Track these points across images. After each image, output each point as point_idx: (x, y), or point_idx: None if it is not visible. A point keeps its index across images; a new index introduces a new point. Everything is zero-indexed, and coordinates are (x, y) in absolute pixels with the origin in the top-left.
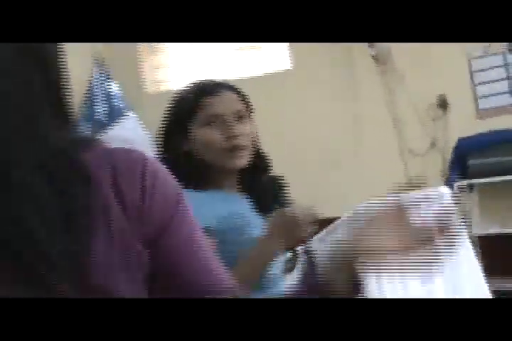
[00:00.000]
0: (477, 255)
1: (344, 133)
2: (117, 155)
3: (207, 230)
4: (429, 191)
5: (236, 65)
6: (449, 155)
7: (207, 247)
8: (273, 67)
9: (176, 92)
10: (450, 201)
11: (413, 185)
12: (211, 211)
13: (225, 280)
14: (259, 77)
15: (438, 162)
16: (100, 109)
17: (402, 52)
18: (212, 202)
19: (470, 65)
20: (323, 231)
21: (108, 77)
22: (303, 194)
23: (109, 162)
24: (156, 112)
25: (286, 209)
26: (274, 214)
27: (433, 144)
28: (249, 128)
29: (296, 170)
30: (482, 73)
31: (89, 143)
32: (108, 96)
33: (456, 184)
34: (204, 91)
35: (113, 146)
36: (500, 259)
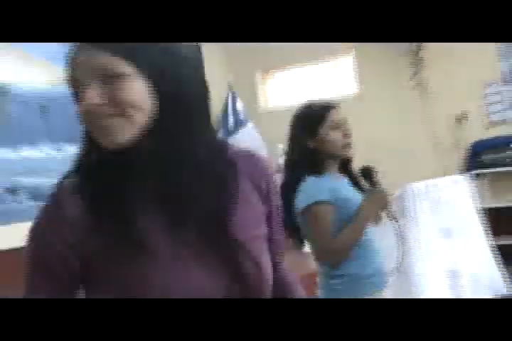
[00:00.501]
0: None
1: (395, 138)
2: (249, 157)
3: (324, 201)
4: (450, 177)
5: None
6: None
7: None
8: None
9: (301, 107)
10: (467, 186)
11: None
12: (327, 187)
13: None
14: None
15: (458, 156)
16: (231, 119)
17: (435, 78)
18: (327, 181)
19: (484, 90)
20: None
21: (236, 97)
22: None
23: (244, 162)
24: (268, 124)
25: (376, 190)
26: (368, 193)
27: (457, 144)
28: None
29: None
30: (491, 96)
31: (227, 145)
32: (235, 111)
33: (472, 172)
34: (329, 106)
35: (240, 148)
36: (504, 224)
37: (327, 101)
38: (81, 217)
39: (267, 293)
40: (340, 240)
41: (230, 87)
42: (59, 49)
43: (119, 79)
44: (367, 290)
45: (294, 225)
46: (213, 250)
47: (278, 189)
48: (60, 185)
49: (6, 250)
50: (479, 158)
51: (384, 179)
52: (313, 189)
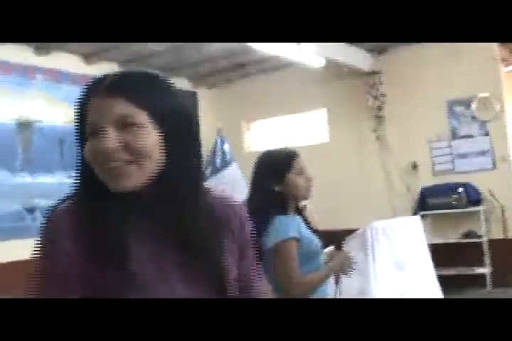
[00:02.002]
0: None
1: (357, 181)
2: (225, 204)
3: (293, 238)
4: (408, 218)
5: (294, 135)
6: (416, 196)
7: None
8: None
9: (265, 154)
10: (420, 225)
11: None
12: (294, 225)
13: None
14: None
15: (410, 200)
16: (218, 159)
17: (391, 133)
18: (292, 220)
19: (431, 145)
20: None
21: (224, 140)
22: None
23: (222, 207)
24: (250, 164)
25: (342, 252)
26: (336, 253)
27: (408, 189)
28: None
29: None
30: (437, 150)
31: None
32: (223, 152)
33: (419, 213)
34: (294, 154)
35: (221, 188)
36: (441, 255)
37: (289, 150)
38: (74, 234)
39: None
40: (306, 282)
41: (219, 131)
42: (78, 92)
43: (137, 129)
44: None
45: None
46: (200, 281)
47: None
48: (58, 207)
49: (25, 260)
50: (425, 202)
51: (343, 216)
52: (283, 227)
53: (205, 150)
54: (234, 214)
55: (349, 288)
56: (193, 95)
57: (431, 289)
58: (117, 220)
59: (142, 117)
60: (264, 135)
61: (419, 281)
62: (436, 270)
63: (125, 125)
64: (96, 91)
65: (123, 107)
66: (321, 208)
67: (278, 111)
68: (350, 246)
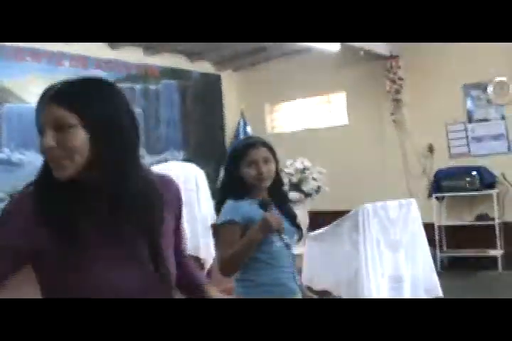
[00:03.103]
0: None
1: (374, 162)
2: (166, 182)
3: (233, 223)
4: (403, 200)
5: (315, 117)
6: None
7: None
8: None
9: (234, 143)
10: (416, 207)
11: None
12: (241, 210)
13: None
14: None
15: (426, 182)
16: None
17: (409, 116)
18: (242, 205)
19: (447, 129)
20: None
21: (246, 123)
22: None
23: (161, 183)
24: (273, 144)
25: (266, 216)
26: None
27: (424, 171)
28: (272, 167)
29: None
30: (454, 133)
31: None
32: (245, 133)
33: (434, 195)
34: (252, 145)
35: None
36: (454, 237)
37: (248, 141)
38: (33, 216)
39: (173, 281)
40: (230, 254)
41: (242, 114)
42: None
43: (68, 129)
44: (263, 294)
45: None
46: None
47: None
48: (21, 192)
49: None
50: (440, 184)
51: (359, 196)
52: (226, 210)
53: (229, 131)
54: (169, 189)
55: (342, 268)
56: (216, 79)
57: (426, 270)
58: (65, 202)
59: (72, 119)
60: (286, 117)
61: (414, 261)
62: (449, 251)
63: (59, 126)
64: (43, 98)
65: (57, 111)
66: (339, 188)
67: (299, 93)
68: (342, 227)
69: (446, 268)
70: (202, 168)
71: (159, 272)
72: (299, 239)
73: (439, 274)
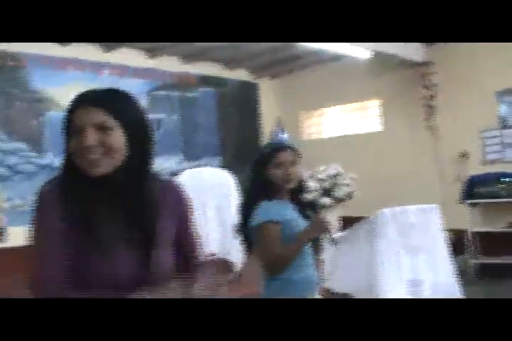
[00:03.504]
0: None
1: (408, 169)
2: (170, 188)
3: (274, 222)
4: (425, 205)
5: (350, 124)
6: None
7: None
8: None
9: (261, 148)
10: (437, 213)
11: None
12: (276, 210)
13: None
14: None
15: (458, 187)
16: None
17: (442, 122)
18: (276, 205)
19: (481, 135)
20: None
21: (282, 130)
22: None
23: (166, 189)
24: (307, 151)
25: (315, 218)
26: (310, 220)
27: (457, 177)
28: (298, 169)
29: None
30: (487, 139)
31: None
32: (281, 140)
33: (466, 201)
34: (279, 148)
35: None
36: (488, 244)
37: (275, 145)
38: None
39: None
40: (282, 254)
41: (278, 121)
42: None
43: (109, 130)
44: (297, 291)
45: (248, 239)
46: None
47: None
48: (45, 187)
49: None
50: (474, 190)
51: (393, 203)
52: (263, 211)
53: (266, 139)
54: (174, 194)
55: (361, 271)
56: (253, 86)
57: (447, 275)
58: (89, 198)
59: (113, 123)
60: (322, 124)
61: (435, 267)
62: (482, 258)
63: (101, 127)
64: (81, 102)
65: (98, 114)
66: (373, 194)
67: (335, 100)
68: (360, 231)
69: (479, 275)
70: (238, 174)
71: (150, 270)
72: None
73: (471, 281)
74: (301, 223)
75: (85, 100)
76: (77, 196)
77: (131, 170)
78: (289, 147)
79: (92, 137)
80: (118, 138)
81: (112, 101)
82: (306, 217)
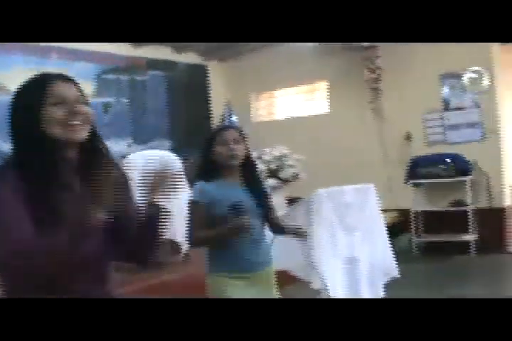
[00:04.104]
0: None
1: (354, 149)
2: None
3: (196, 202)
4: (361, 185)
5: (298, 106)
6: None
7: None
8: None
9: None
10: (374, 192)
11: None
12: (206, 191)
13: None
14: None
15: (402, 168)
16: None
17: (387, 105)
18: (210, 186)
19: (424, 117)
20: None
21: (231, 112)
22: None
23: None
24: (257, 132)
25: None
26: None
27: (401, 158)
28: (242, 147)
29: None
30: (430, 121)
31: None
32: (230, 122)
33: (411, 181)
34: (222, 128)
35: None
36: (430, 223)
37: (219, 126)
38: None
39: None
40: (197, 236)
41: (228, 103)
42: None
43: (83, 103)
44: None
45: None
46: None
47: None
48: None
49: None
50: (417, 171)
51: (340, 183)
52: (193, 191)
53: (216, 121)
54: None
55: (299, 249)
56: (202, 69)
57: (384, 252)
58: (49, 175)
59: (82, 97)
60: (270, 106)
61: (371, 244)
62: (425, 236)
63: (78, 101)
64: (57, 78)
65: (76, 91)
66: (319, 175)
67: (283, 83)
68: (298, 211)
69: (422, 252)
70: (188, 156)
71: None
72: (269, 218)
73: (414, 258)
74: (245, 203)
75: (60, 77)
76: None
77: (99, 138)
78: (233, 127)
79: (77, 106)
80: (89, 108)
81: (76, 82)
82: (257, 196)
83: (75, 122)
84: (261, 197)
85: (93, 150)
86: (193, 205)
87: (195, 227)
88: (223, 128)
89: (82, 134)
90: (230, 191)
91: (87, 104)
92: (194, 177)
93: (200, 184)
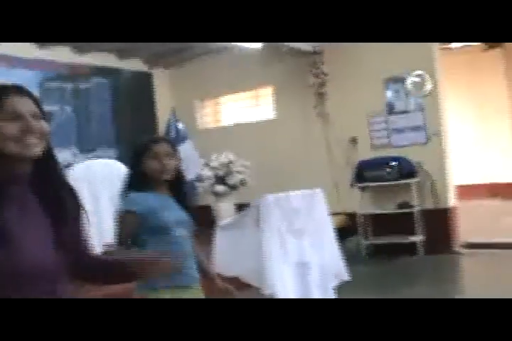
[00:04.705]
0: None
1: (300, 155)
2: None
3: (131, 212)
4: (308, 190)
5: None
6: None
7: None
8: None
9: (138, 140)
10: (321, 197)
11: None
12: (139, 201)
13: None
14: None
15: (349, 172)
16: (173, 136)
17: (332, 109)
18: (142, 196)
19: (369, 121)
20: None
21: (177, 120)
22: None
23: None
24: (203, 139)
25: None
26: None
27: (348, 162)
28: (173, 162)
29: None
30: (375, 125)
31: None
32: (177, 129)
33: (357, 185)
34: (154, 140)
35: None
36: (378, 225)
37: (151, 137)
38: None
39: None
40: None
41: (173, 110)
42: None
43: (39, 119)
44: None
45: None
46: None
47: None
48: None
49: None
50: (362, 174)
51: (287, 188)
52: (126, 201)
53: (161, 128)
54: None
55: (249, 255)
56: (147, 76)
57: (333, 256)
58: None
59: (39, 112)
60: (216, 113)
61: (321, 248)
62: (373, 238)
63: (34, 116)
64: (12, 92)
65: (33, 105)
66: (266, 181)
67: (228, 89)
68: (246, 217)
69: (370, 255)
70: None
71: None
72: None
73: (363, 260)
74: (168, 216)
75: (16, 90)
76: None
77: (53, 155)
78: (165, 139)
79: (33, 122)
80: (45, 124)
81: (33, 95)
82: (186, 208)
83: (30, 140)
84: (188, 208)
85: (45, 166)
86: (126, 214)
87: (126, 235)
88: (155, 140)
89: (37, 151)
90: (165, 202)
91: (44, 118)
92: (123, 187)
93: (133, 194)
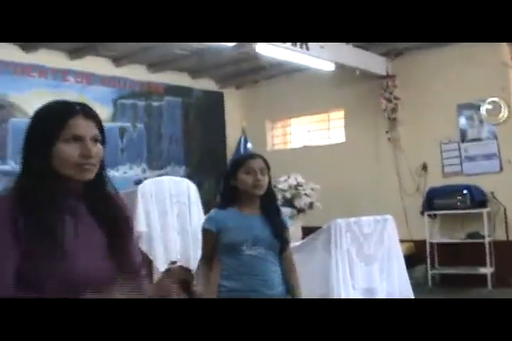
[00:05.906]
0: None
1: (370, 179)
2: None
3: (207, 230)
4: (379, 216)
5: (313, 134)
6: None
7: None
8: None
9: (233, 156)
10: (393, 223)
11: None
12: (218, 219)
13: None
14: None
15: (419, 199)
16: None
17: (404, 135)
18: (224, 214)
19: (441, 148)
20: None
21: (246, 140)
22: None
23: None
24: (272, 161)
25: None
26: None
27: (418, 189)
28: (267, 178)
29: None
30: (447, 152)
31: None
32: (245, 149)
33: (426, 213)
34: (247, 156)
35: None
36: (446, 255)
37: (246, 153)
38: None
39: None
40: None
41: (243, 130)
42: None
43: (98, 142)
44: None
45: None
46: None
47: None
48: (6, 194)
49: None
50: (432, 202)
51: (355, 213)
52: (206, 218)
53: (231, 148)
54: (125, 205)
55: (316, 279)
56: (219, 96)
57: (401, 283)
58: (56, 208)
59: (99, 137)
60: (286, 134)
61: (389, 275)
62: (440, 268)
63: (94, 140)
64: (77, 113)
65: (95, 129)
66: (333, 204)
67: (299, 111)
68: (317, 240)
69: (437, 284)
70: (202, 183)
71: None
72: (283, 251)
73: (430, 290)
74: (243, 235)
75: (82, 112)
76: (46, 200)
77: (104, 176)
78: (260, 156)
79: (92, 147)
80: (101, 149)
81: (98, 117)
82: (275, 228)
83: (87, 165)
84: (279, 229)
85: (97, 187)
86: (204, 232)
87: (204, 254)
88: (251, 156)
89: (92, 175)
90: (244, 220)
91: (102, 141)
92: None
93: (213, 211)
